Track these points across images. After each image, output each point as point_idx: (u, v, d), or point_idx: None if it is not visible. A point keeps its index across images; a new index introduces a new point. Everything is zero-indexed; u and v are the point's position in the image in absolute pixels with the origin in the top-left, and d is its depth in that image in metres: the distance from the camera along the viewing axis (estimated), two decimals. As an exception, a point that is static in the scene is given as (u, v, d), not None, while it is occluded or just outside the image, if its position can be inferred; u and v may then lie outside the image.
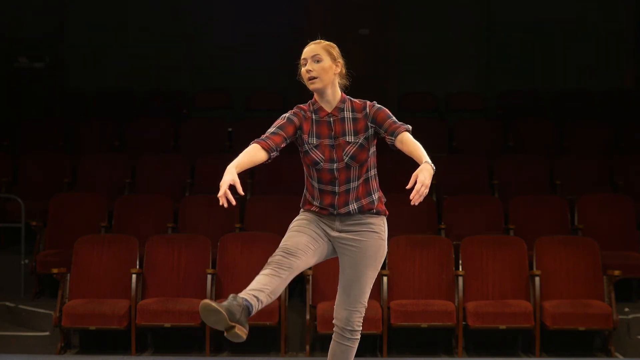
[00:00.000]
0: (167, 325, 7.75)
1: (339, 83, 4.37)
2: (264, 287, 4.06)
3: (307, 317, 7.85)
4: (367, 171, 4.33)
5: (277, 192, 9.30)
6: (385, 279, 7.84)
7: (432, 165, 4.05)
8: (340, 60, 4.37)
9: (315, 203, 4.34)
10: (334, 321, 4.40)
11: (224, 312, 3.89)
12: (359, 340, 4.40)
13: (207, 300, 3.92)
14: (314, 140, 4.31)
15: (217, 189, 4.02)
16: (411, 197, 3.98)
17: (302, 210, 4.41)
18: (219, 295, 7.96)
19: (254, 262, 8.00)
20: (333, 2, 12.64)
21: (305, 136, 4.32)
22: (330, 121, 4.33)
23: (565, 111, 11.62)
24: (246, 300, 3.98)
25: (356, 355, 4.46)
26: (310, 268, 7.20)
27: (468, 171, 10.02)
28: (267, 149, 4.22)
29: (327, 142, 4.31)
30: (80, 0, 12.59)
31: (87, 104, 12.01)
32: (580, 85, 12.16)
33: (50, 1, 12.56)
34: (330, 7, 12.57)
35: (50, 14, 12.56)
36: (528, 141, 10.94)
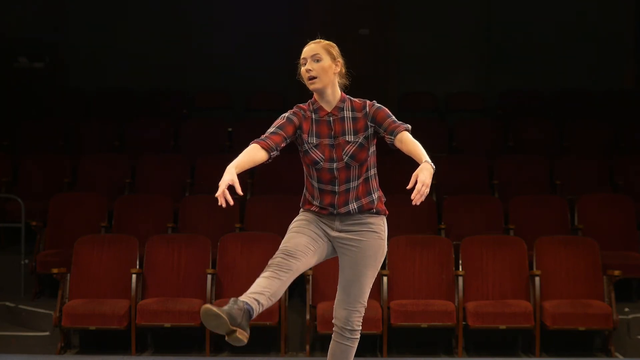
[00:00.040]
0: (167, 325, 7.75)
1: (338, 82, 4.37)
2: (264, 290, 4.06)
3: (307, 317, 7.85)
4: (367, 170, 4.33)
5: (277, 192, 9.30)
6: (385, 279, 7.84)
7: (432, 164, 4.05)
8: (340, 60, 4.37)
9: (315, 203, 4.34)
10: (333, 321, 4.40)
11: (225, 317, 3.89)
12: (358, 340, 4.40)
13: (208, 305, 3.92)
14: (314, 140, 4.31)
15: (217, 189, 4.02)
16: (412, 196, 3.98)
17: (301, 210, 4.41)
18: (219, 295, 7.96)
19: (254, 262, 8.01)
20: (333, 2, 12.64)
21: (304, 136, 4.32)
22: (330, 120, 4.33)
23: (565, 111, 11.62)
24: (247, 303, 3.98)
25: (356, 355, 4.46)
26: (310, 268, 7.19)
27: (468, 171, 10.02)
28: (267, 149, 4.22)
29: (326, 142, 4.30)
30: (80, 0, 12.59)
31: (87, 104, 12.01)
32: (580, 85, 12.16)
33: (50, 1, 12.56)
34: (330, 7, 12.57)
35: (50, 14, 12.56)
36: (528, 141, 10.94)
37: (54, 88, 12.32)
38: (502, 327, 7.74)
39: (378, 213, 4.36)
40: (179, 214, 9.09)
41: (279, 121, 4.33)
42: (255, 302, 4.01)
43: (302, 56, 4.33)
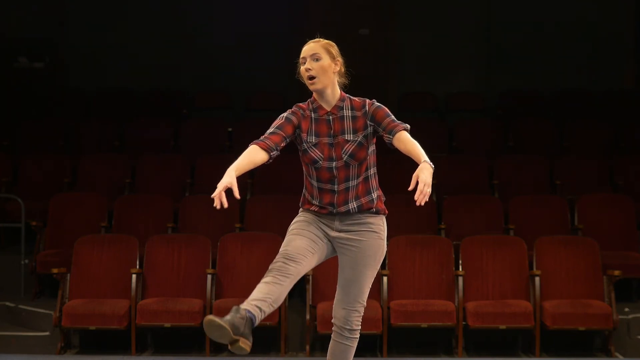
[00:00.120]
0: (167, 325, 7.75)
1: (338, 81, 4.37)
2: (266, 296, 4.06)
3: (307, 317, 7.85)
4: (366, 170, 4.33)
5: (277, 192, 9.30)
6: (385, 279, 7.84)
7: (431, 164, 4.05)
8: (340, 59, 4.36)
9: (314, 202, 4.34)
10: (333, 320, 4.40)
11: (227, 327, 3.89)
12: (358, 340, 4.40)
13: (210, 316, 3.92)
14: (313, 139, 4.31)
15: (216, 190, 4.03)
16: (415, 197, 3.97)
17: (301, 210, 4.41)
18: (219, 295, 7.96)
19: (254, 262, 8.01)
20: (333, 2, 12.64)
21: (304, 135, 4.32)
22: (329, 119, 4.33)
23: (565, 111, 11.62)
24: (249, 311, 3.98)
25: (356, 355, 4.46)
26: (310, 268, 7.19)
27: (468, 171, 10.02)
28: (267, 149, 4.22)
29: (326, 141, 4.30)
30: (80, 0, 12.59)
31: (87, 104, 12.00)
32: (580, 85, 12.16)
33: (50, 1, 12.56)
34: (330, 7, 12.57)
35: (50, 14, 12.56)
36: (528, 141, 10.94)
37: (54, 88, 12.32)
38: (502, 327, 7.74)
39: (378, 212, 4.36)
40: (179, 214, 9.09)
41: (278, 121, 4.33)
42: (257, 310, 4.01)
43: (301, 55, 4.33)
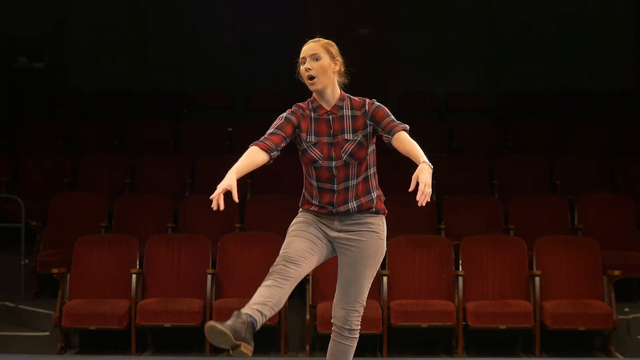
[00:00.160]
0: (167, 325, 7.75)
1: (338, 81, 4.37)
2: (267, 300, 4.06)
3: (307, 317, 7.85)
4: (366, 169, 4.33)
5: (277, 192, 9.29)
6: (385, 279, 7.84)
7: (430, 164, 4.06)
8: (339, 59, 4.36)
9: (314, 202, 4.34)
10: (332, 320, 4.40)
11: (229, 333, 3.89)
12: (357, 339, 4.40)
13: (211, 322, 3.92)
14: (313, 138, 4.31)
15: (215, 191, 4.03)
16: (417, 198, 3.97)
17: (301, 210, 4.41)
18: (219, 296, 7.96)
19: (254, 262, 8.01)
20: (333, 2, 12.64)
21: (303, 134, 4.32)
22: (329, 119, 4.33)
23: (565, 111, 11.62)
24: (250, 316, 3.98)
25: (356, 355, 4.46)
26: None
27: (468, 171, 10.02)
28: (267, 150, 4.22)
29: (325, 140, 4.30)
30: (80, 0, 12.59)
31: (87, 104, 12.00)
32: (580, 85, 12.16)
33: (50, 1, 12.56)
34: (330, 7, 12.57)
35: (50, 14, 12.57)
36: (528, 141, 10.94)
37: (54, 88, 12.32)
38: (502, 327, 7.74)
39: (377, 212, 4.36)
40: (179, 214, 9.09)
41: (277, 122, 4.33)
42: (259, 314, 4.01)
43: (301, 55, 4.33)
